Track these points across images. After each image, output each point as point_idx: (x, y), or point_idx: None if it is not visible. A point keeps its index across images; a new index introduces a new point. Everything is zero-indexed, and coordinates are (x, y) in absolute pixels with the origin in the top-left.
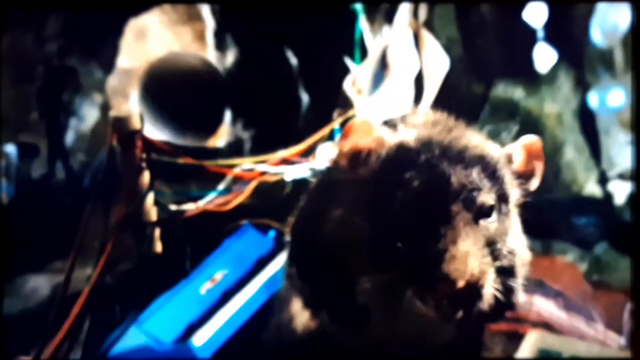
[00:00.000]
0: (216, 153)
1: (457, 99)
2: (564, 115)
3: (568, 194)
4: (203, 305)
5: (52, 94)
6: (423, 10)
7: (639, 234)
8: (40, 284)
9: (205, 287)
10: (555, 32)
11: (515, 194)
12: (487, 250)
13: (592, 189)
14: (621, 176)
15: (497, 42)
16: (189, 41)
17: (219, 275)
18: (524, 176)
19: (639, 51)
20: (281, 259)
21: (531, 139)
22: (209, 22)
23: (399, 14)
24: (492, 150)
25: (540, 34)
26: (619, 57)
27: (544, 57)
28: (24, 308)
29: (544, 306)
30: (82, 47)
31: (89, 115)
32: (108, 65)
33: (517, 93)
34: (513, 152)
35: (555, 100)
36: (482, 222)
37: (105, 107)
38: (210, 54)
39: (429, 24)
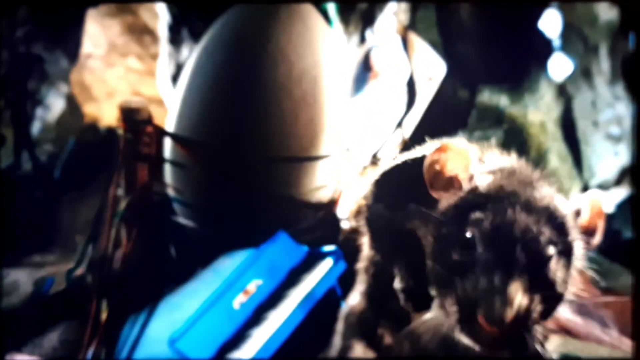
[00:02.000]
0: None
1: (444, 104)
2: (547, 124)
3: None
4: (237, 321)
5: (17, 81)
6: (404, 14)
7: (637, 237)
8: (20, 279)
9: (238, 300)
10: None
11: (579, 247)
12: (539, 298)
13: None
14: (601, 186)
15: (479, 48)
16: (116, 34)
17: (252, 286)
18: (587, 232)
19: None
20: (317, 273)
21: (597, 198)
22: (164, 16)
23: (382, 17)
24: (561, 203)
25: (557, 43)
26: (604, 65)
27: (560, 66)
28: (6, 303)
29: (561, 312)
30: (48, 34)
31: (54, 105)
32: (73, 54)
33: (502, 100)
34: (581, 208)
35: (538, 109)
36: (541, 269)
37: (70, 98)
38: (163, 48)
39: (410, 28)
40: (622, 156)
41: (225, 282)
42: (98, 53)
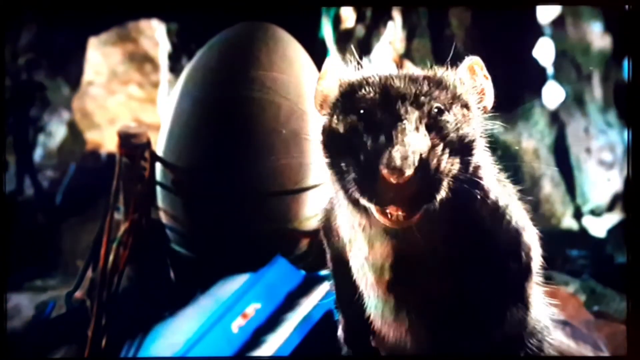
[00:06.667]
0: None
1: None
2: (541, 150)
3: (547, 227)
4: (235, 344)
5: (20, 108)
6: (400, 43)
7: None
8: (22, 302)
9: (237, 323)
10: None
11: (473, 100)
12: (442, 146)
13: (569, 222)
14: (593, 212)
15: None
16: (117, 62)
17: (250, 310)
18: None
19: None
20: (314, 297)
21: (471, 59)
22: (164, 44)
23: (378, 46)
24: (441, 71)
25: (550, 71)
26: (597, 93)
27: (553, 94)
28: (9, 327)
29: (554, 335)
30: (50, 62)
31: (56, 131)
32: (75, 82)
33: (496, 127)
34: (461, 73)
35: (532, 136)
36: (438, 119)
37: (72, 124)
38: (164, 76)
39: (406, 57)
40: (614, 182)
41: (224, 306)
42: (99, 81)
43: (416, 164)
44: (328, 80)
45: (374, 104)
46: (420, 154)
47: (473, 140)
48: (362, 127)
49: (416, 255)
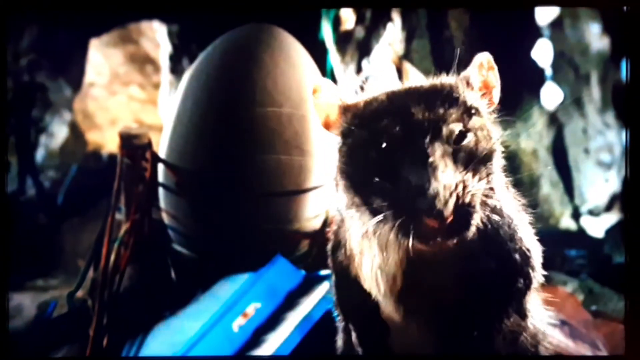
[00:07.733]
0: None
1: None
2: (539, 151)
3: (545, 227)
4: (236, 343)
5: (22, 109)
6: (400, 44)
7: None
8: (24, 302)
9: (237, 323)
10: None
11: (483, 105)
12: (470, 172)
13: (567, 223)
14: (590, 212)
15: None
16: (119, 63)
17: (251, 309)
18: (485, 89)
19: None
20: (314, 296)
21: (481, 56)
22: (165, 46)
23: (377, 47)
24: (448, 79)
25: (548, 72)
26: (595, 94)
27: (551, 95)
28: (11, 326)
29: (552, 334)
30: (51, 63)
31: (58, 132)
32: (76, 83)
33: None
34: (469, 74)
35: (531, 136)
36: (461, 146)
37: (73, 125)
38: (164, 77)
39: (405, 58)
40: (612, 182)
41: (225, 305)
42: (101, 82)
43: (453, 202)
44: (325, 94)
45: (397, 138)
46: (455, 191)
47: (493, 152)
48: (388, 163)
49: (427, 261)
